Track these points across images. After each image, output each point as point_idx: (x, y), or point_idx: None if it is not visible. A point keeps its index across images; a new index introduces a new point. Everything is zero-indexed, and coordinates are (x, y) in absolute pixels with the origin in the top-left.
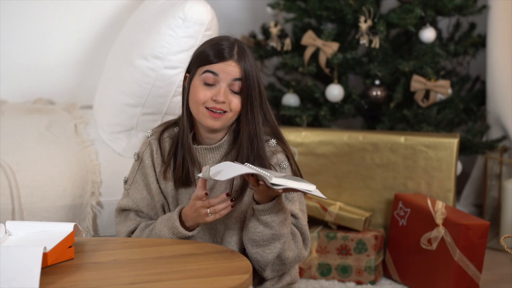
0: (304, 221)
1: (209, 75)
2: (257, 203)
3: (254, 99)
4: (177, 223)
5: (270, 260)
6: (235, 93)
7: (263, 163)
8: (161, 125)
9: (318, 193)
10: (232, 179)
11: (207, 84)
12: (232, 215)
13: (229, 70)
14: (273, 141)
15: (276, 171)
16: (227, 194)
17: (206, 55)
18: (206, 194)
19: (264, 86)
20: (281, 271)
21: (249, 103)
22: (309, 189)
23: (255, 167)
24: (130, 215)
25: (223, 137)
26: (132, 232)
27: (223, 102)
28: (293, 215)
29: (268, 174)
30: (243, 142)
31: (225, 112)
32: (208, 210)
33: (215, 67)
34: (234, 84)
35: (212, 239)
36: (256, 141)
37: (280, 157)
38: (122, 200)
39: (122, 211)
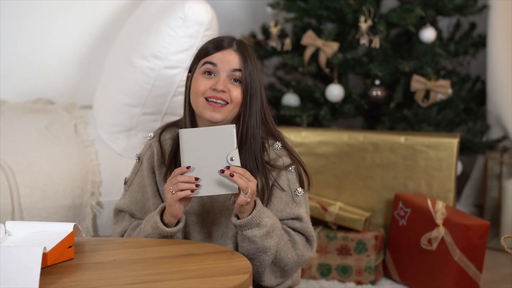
0: (309, 223)
1: (208, 65)
2: (238, 218)
3: (254, 91)
4: (158, 218)
5: (262, 271)
6: (236, 81)
7: (258, 161)
8: (162, 126)
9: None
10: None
11: (207, 74)
12: (230, 226)
13: (228, 59)
14: (278, 144)
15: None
16: (188, 168)
17: (206, 49)
18: (188, 167)
19: (264, 87)
20: (284, 277)
21: (249, 95)
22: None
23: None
24: (126, 216)
25: None
26: (125, 232)
27: (223, 91)
28: (298, 218)
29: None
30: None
31: (226, 103)
32: (171, 187)
33: (214, 57)
34: (234, 74)
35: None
36: (253, 138)
37: (286, 160)
38: (119, 201)
39: (119, 212)
